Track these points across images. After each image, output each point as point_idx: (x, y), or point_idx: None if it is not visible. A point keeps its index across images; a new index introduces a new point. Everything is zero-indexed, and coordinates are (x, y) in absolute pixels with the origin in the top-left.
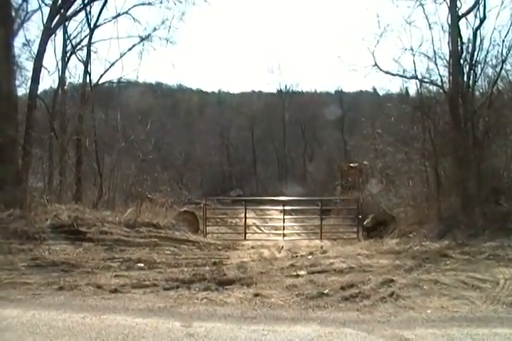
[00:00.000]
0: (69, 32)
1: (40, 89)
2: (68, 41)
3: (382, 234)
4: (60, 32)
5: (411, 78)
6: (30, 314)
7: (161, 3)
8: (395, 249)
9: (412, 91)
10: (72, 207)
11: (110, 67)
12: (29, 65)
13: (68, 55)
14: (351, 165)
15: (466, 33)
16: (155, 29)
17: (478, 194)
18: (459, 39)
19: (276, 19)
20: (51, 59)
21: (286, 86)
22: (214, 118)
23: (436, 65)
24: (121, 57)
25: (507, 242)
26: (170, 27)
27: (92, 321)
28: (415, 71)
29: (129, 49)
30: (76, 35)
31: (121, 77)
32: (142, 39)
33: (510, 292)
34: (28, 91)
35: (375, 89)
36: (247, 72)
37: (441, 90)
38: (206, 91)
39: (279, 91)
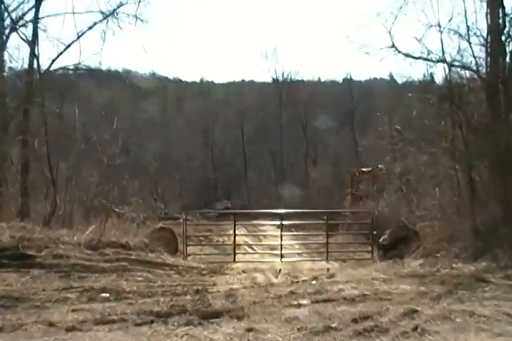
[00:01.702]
0: (6, 2)
1: None
2: (6, 14)
3: (403, 253)
4: None
5: (438, 61)
6: None
7: None
8: (419, 271)
9: (439, 78)
10: (16, 225)
11: (65, 49)
12: None
13: (7, 32)
14: (364, 169)
15: (509, 2)
16: (121, 4)
17: None
18: (500, 10)
19: None
20: None
21: (283, 74)
22: (196, 113)
23: (470, 43)
24: (78, 37)
25: None
26: (140, 1)
27: None
28: (443, 52)
29: (89, 27)
30: (17, 7)
31: (79, 63)
32: (106, 16)
33: None
34: None
35: (392, 76)
36: (236, 58)
37: (475, 75)
38: (186, 80)
39: (275, 81)
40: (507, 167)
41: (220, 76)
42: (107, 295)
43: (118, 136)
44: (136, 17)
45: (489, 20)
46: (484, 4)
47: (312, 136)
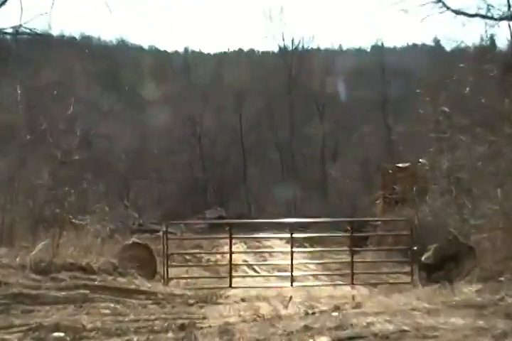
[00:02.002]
0: None
1: None
2: None
3: (453, 275)
4: None
5: (501, 19)
6: None
7: None
8: (476, 300)
9: (503, 42)
10: None
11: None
12: None
13: None
14: (400, 165)
15: None
16: None
17: None
18: None
19: None
20: None
21: (293, 41)
22: (179, 93)
23: None
24: None
25: None
26: None
27: None
28: (509, 7)
29: None
30: None
31: (20, 25)
32: None
33: None
34: None
35: (437, 42)
36: (231, 22)
37: None
38: (166, 50)
39: (283, 50)
40: None
41: (211, 45)
42: (61, 334)
43: (76, 123)
44: None
45: None
46: None
47: (331, 122)
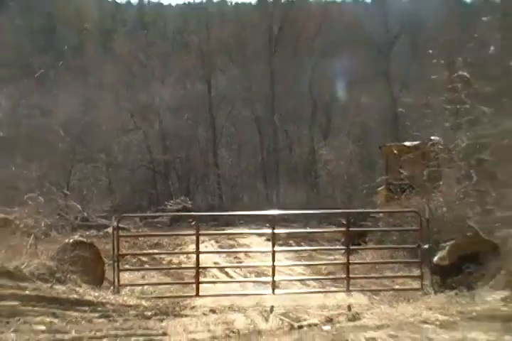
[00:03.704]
0: None
1: None
2: None
3: (473, 280)
4: None
5: None
6: None
7: None
8: (502, 311)
9: None
10: None
11: None
12: None
13: None
14: (407, 144)
15: None
16: None
17: None
18: None
19: None
20: None
21: None
22: (133, 54)
23: None
24: None
25: None
26: None
27: None
28: None
29: None
30: None
31: None
32: None
33: None
34: None
35: None
36: None
37: None
38: (116, 0)
39: (263, 1)
40: None
41: None
42: None
43: (1, 91)
44: None
45: None
46: None
47: (322, 90)
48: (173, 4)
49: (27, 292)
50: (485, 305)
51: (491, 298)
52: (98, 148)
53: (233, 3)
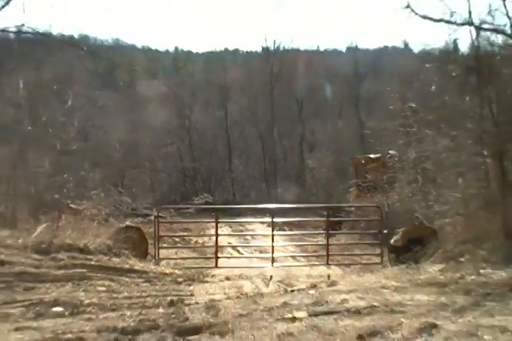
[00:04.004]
0: None
1: None
2: None
3: (419, 256)
4: None
5: (463, 24)
6: None
7: None
8: (439, 279)
9: (465, 45)
10: None
11: (3, 7)
12: None
13: None
14: (371, 156)
15: None
16: None
17: None
18: None
19: None
20: None
21: (275, 42)
22: (169, 89)
23: (504, 1)
24: None
25: None
26: None
27: None
28: (470, 13)
29: None
30: None
31: (22, 24)
32: None
33: None
34: None
35: (406, 44)
36: (218, 23)
37: (510, 41)
38: (157, 49)
39: (265, 50)
40: None
41: (199, 45)
42: (61, 309)
43: (74, 116)
44: None
45: None
46: None
47: (309, 117)
48: (200, 52)
49: (92, 262)
50: (427, 275)
51: (431, 270)
52: (144, 158)
53: (244, 52)
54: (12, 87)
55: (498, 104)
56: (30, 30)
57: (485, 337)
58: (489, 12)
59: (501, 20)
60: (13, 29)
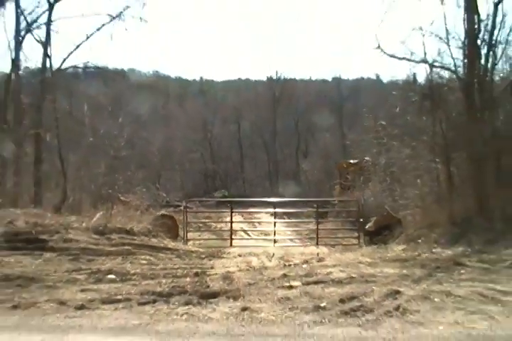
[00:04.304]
0: (23, 6)
1: None
2: (22, 17)
3: (387, 239)
4: (11, 5)
5: (420, 62)
6: None
7: None
8: (402, 256)
9: (421, 78)
10: (30, 212)
11: (75, 49)
12: None
13: (23, 33)
14: (351, 161)
15: (484, 9)
16: (127, 7)
17: (497, 194)
18: (476, 16)
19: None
20: (1, 37)
21: (277, 73)
22: (195, 109)
23: (449, 46)
24: (87, 38)
25: None
26: (144, 4)
27: None
28: (425, 54)
29: (98, 29)
30: (32, 11)
31: (87, 62)
32: (112, 18)
33: None
34: None
35: (378, 76)
36: (234, 58)
37: (454, 75)
38: (187, 79)
39: (269, 79)
40: (482, 160)
41: (219, 74)
42: (113, 276)
43: (123, 130)
44: (141, 19)
45: (466, 25)
46: (462, 10)
47: (303, 130)
48: (219, 80)
49: (136, 242)
50: (393, 253)
51: (396, 249)
52: (175, 162)
53: (253, 80)
54: (79, 109)
55: (446, 123)
56: (92, 65)
57: (435, 299)
58: (439, 53)
59: (448, 60)
60: (81, 65)
